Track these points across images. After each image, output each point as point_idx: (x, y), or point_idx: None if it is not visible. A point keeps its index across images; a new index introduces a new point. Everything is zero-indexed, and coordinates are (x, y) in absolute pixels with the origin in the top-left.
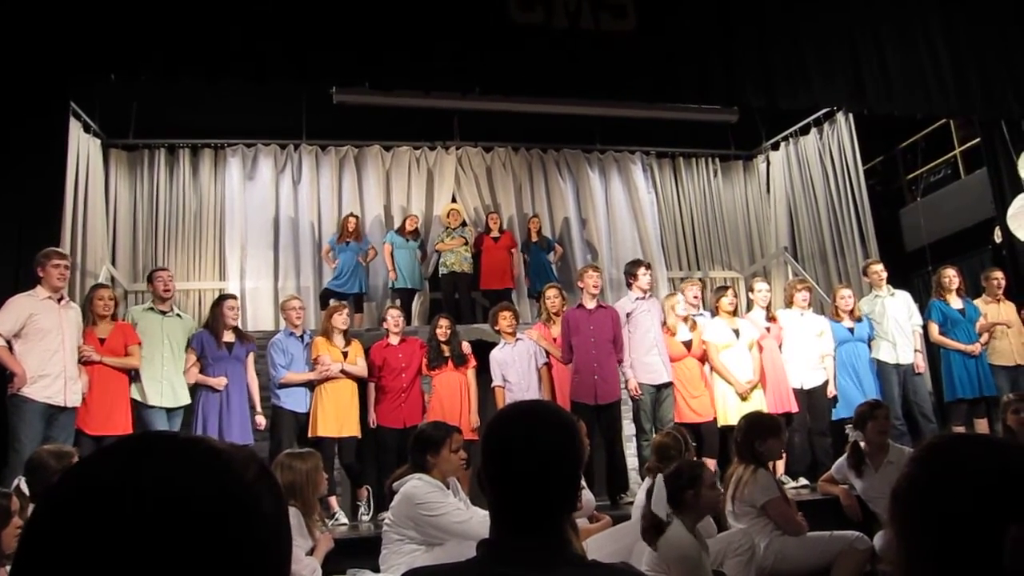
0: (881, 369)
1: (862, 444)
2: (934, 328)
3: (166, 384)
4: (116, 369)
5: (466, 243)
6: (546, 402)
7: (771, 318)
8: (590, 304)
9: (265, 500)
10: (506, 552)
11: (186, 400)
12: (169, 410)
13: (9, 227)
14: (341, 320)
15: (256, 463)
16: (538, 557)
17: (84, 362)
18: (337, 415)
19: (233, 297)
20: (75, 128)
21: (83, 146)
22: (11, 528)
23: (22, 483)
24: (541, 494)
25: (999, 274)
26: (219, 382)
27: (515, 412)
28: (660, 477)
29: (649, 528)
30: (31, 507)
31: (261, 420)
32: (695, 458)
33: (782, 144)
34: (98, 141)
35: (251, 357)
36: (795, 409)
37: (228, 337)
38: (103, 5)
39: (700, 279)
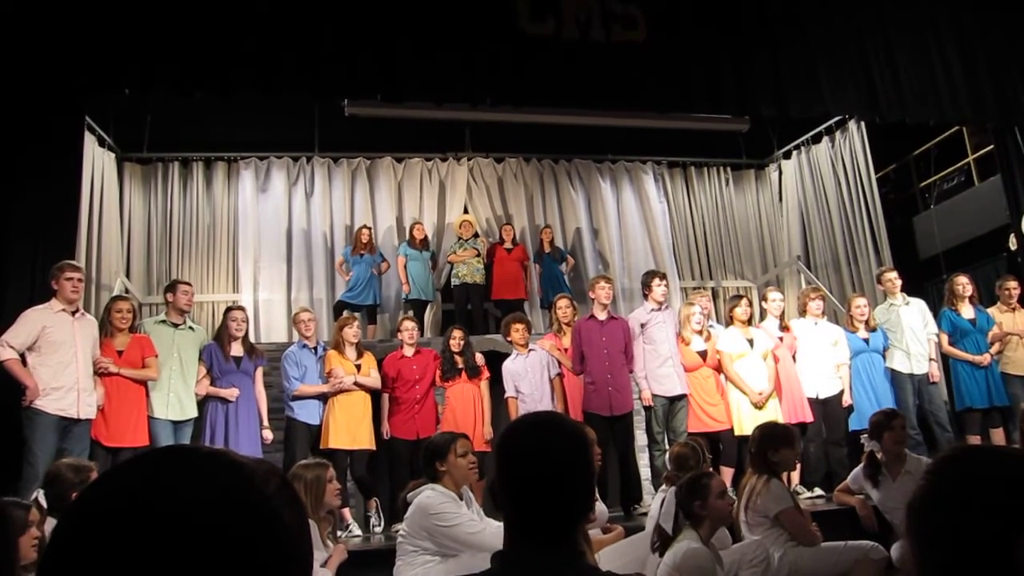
0: (896, 378)
1: (878, 454)
2: (944, 338)
3: (172, 396)
4: (134, 381)
5: (478, 254)
6: (559, 413)
7: (784, 327)
8: (601, 315)
9: (286, 513)
10: (520, 563)
11: (193, 413)
12: (176, 423)
13: (25, 240)
14: (351, 333)
15: (277, 476)
16: (552, 568)
17: (101, 374)
18: (349, 427)
19: (239, 308)
20: (90, 142)
21: (98, 160)
22: (27, 537)
23: (40, 495)
24: (554, 504)
25: (1014, 283)
26: (231, 393)
27: (528, 423)
28: (672, 491)
29: (658, 541)
30: (49, 520)
31: (268, 435)
32: (710, 469)
33: (794, 152)
34: (112, 155)
35: (260, 371)
36: (810, 419)
37: (237, 351)
38: (117, 21)
39: (712, 289)
